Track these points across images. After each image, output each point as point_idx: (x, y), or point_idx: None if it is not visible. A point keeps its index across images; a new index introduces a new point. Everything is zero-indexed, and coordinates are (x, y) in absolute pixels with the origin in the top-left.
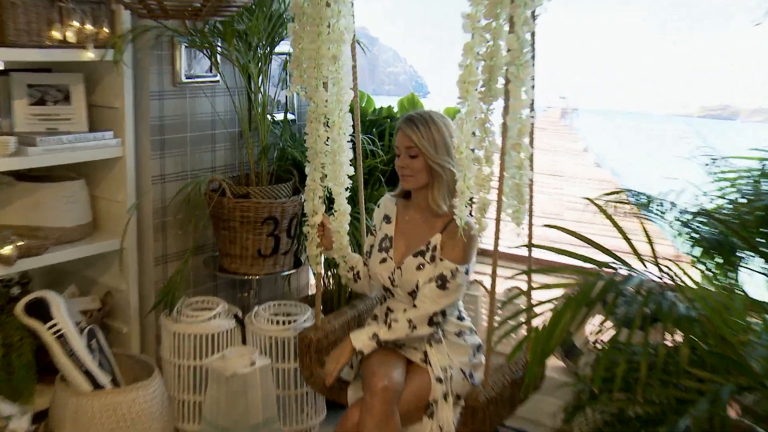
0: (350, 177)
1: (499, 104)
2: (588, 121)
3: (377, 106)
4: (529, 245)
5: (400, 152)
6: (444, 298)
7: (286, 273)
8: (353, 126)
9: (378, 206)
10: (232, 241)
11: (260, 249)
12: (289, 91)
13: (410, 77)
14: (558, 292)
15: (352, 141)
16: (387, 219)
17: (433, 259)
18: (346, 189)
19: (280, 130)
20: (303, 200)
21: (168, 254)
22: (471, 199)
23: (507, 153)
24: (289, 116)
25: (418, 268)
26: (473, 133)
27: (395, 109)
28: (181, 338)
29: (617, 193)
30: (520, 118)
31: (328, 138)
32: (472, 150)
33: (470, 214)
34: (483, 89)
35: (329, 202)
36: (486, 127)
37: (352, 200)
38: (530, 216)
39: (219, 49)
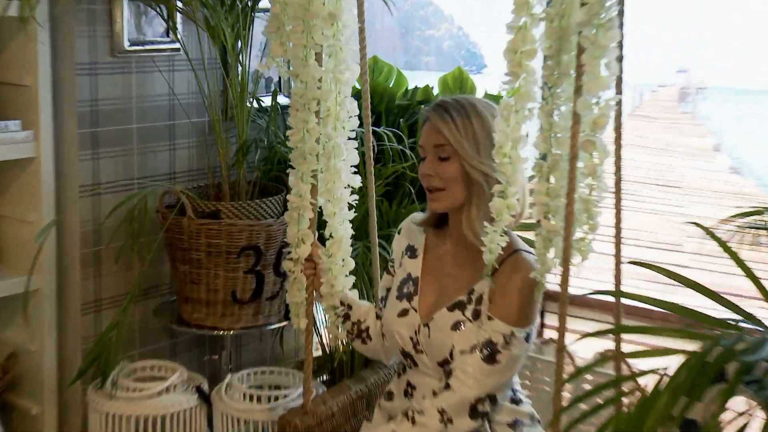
0: (355, 191)
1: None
2: (720, 108)
3: (410, 86)
4: (617, 293)
5: (425, 153)
6: (493, 377)
7: (274, 326)
8: (360, 117)
9: (398, 232)
10: (195, 281)
11: (236, 292)
12: (265, 66)
13: (459, 44)
14: (659, 361)
15: (360, 139)
16: (411, 252)
17: (477, 315)
18: (350, 207)
19: (266, 120)
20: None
21: (102, 299)
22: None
23: (575, 154)
24: (281, 100)
25: (455, 327)
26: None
27: (435, 90)
28: (117, 422)
29: (758, 213)
30: (597, 104)
31: (323, 134)
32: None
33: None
34: (548, 62)
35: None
36: (551, 121)
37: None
38: (617, 246)
39: (179, 4)
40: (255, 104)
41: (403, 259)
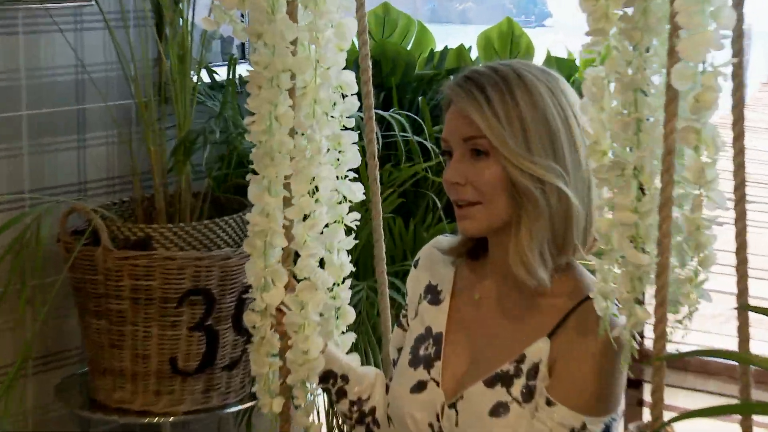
0: (353, 207)
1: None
2: None
3: (437, 47)
4: (742, 357)
5: (451, 150)
6: None
7: (236, 409)
8: (360, 95)
9: (415, 265)
10: (116, 343)
11: (176, 359)
12: (213, 22)
13: None
14: None
15: (358, 130)
16: (432, 294)
17: (530, 395)
18: (348, 231)
19: (220, 102)
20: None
21: None
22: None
23: (671, 149)
24: (243, 71)
25: (496, 412)
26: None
27: (473, 53)
28: None
29: None
30: (703, 73)
31: (299, 122)
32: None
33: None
34: (627, 11)
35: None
36: (635, 98)
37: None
38: (741, 283)
39: None
40: (204, 79)
41: (420, 306)
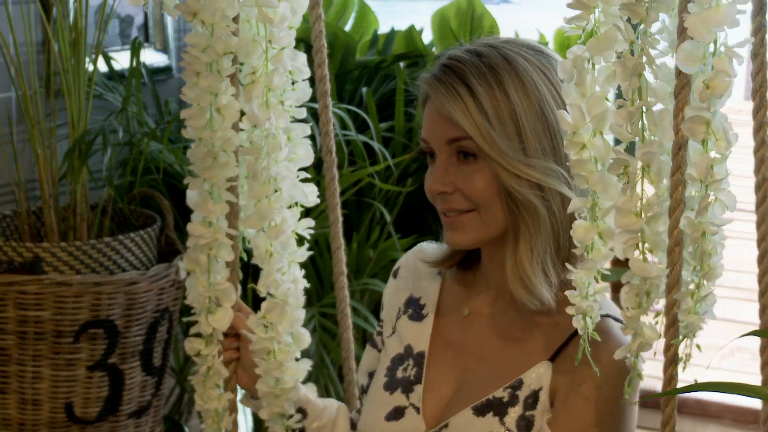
0: (307, 212)
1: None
2: None
3: (381, 29)
4: (763, 391)
5: (432, 149)
6: None
7: None
8: (314, 80)
9: (394, 275)
10: None
11: (73, 405)
12: (134, 1)
13: None
14: None
15: (307, 121)
16: (414, 309)
17: (527, 427)
18: (300, 242)
19: (122, 95)
20: (182, 276)
21: None
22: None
23: (683, 143)
24: (149, 58)
25: None
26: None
27: (426, 36)
28: None
29: None
30: (714, 54)
31: (248, 115)
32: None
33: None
34: None
35: (253, 276)
36: (639, 84)
37: (315, 271)
38: (765, 304)
39: None
40: (101, 68)
41: (399, 322)
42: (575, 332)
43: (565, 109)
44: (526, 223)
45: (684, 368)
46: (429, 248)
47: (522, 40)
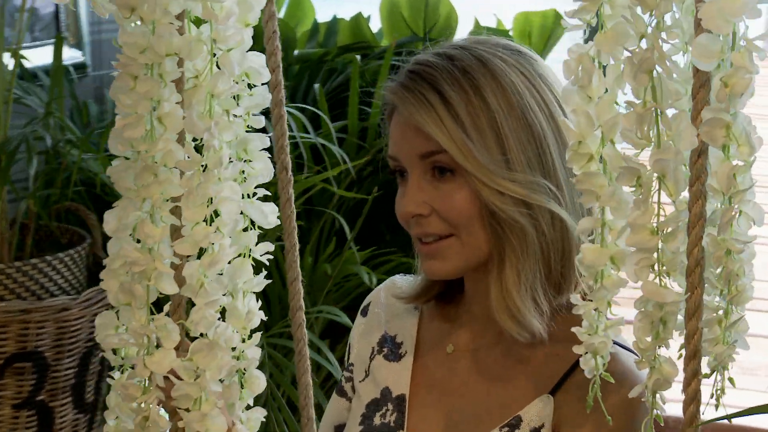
0: (265, 235)
1: None
2: None
3: (319, 18)
4: None
5: (402, 167)
6: None
7: None
8: (270, 86)
9: (363, 313)
10: None
11: None
12: None
13: None
14: None
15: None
16: (390, 348)
17: None
18: (257, 269)
19: (45, 100)
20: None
21: None
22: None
23: (702, 149)
24: (72, 55)
25: None
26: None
27: (374, 25)
28: None
29: None
30: (732, 48)
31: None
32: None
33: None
34: None
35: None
36: (653, 83)
37: (266, 303)
38: None
39: None
40: (19, 67)
41: (373, 363)
42: (576, 363)
43: (551, 117)
44: (512, 245)
45: (717, 407)
46: (402, 282)
47: (497, 40)
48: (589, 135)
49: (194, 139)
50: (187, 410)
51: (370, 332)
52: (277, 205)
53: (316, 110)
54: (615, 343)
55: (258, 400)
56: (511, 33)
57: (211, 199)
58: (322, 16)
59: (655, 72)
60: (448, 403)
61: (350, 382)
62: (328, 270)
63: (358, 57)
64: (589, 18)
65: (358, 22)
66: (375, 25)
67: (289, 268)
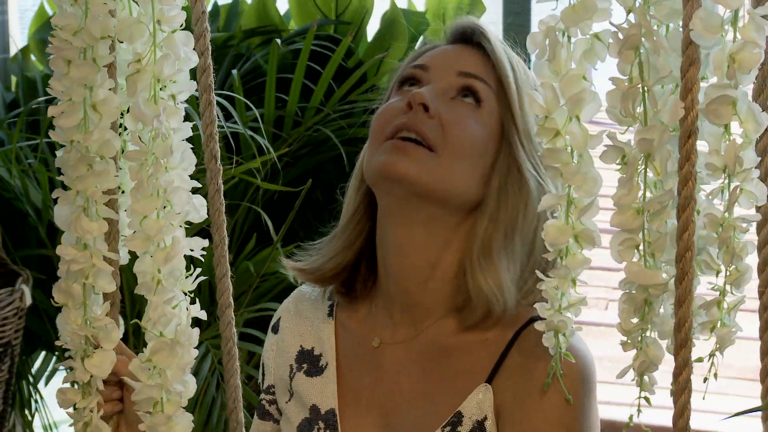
0: (190, 227)
1: None
2: None
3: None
4: None
5: (422, 78)
6: None
7: None
8: (198, 70)
9: (274, 329)
10: None
11: None
12: None
13: None
14: None
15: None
16: (309, 362)
17: None
18: (189, 265)
19: None
20: (27, 302)
21: None
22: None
23: (692, 130)
24: None
25: None
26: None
27: (282, 7)
28: None
29: None
30: (733, 21)
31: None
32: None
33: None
34: None
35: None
36: (641, 59)
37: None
38: None
39: None
40: None
41: (294, 382)
42: (508, 346)
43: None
44: (511, 203)
45: (705, 392)
46: (310, 291)
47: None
48: (555, 109)
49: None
50: (150, 413)
51: (284, 349)
52: (205, 197)
53: (227, 98)
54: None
55: (192, 405)
56: (425, 15)
57: (164, 190)
58: None
59: (642, 48)
60: (382, 406)
61: (273, 405)
62: (249, 268)
63: (278, 41)
64: None
65: (265, 3)
66: (283, 6)
67: (217, 264)
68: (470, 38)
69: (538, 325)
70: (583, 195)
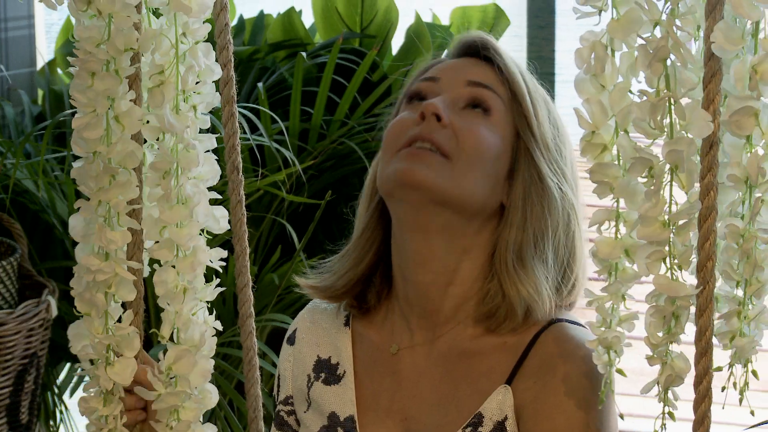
0: (215, 239)
1: None
2: None
3: (238, 13)
4: None
5: (428, 93)
6: None
7: None
8: (221, 82)
9: (290, 341)
10: None
11: None
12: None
13: None
14: None
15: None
16: (328, 371)
17: None
18: (209, 277)
19: None
20: (53, 314)
21: None
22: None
23: (714, 141)
24: None
25: None
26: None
27: (307, 19)
28: None
29: None
30: (754, 35)
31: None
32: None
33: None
34: None
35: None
36: (666, 71)
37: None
38: None
39: None
40: None
41: (312, 391)
42: (527, 348)
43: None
44: (533, 215)
45: (741, 401)
46: (324, 304)
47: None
48: (603, 124)
49: (157, 140)
50: (171, 428)
51: (301, 360)
52: (227, 208)
53: (252, 111)
54: (561, 319)
55: (210, 418)
56: (449, 28)
57: (186, 199)
58: (242, 10)
59: (668, 60)
60: (401, 411)
61: (293, 416)
62: (273, 279)
63: (304, 54)
64: (601, 5)
65: (290, 17)
66: (308, 19)
67: (239, 274)
68: (478, 51)
69: (590, 344)
70: (632, 208)
